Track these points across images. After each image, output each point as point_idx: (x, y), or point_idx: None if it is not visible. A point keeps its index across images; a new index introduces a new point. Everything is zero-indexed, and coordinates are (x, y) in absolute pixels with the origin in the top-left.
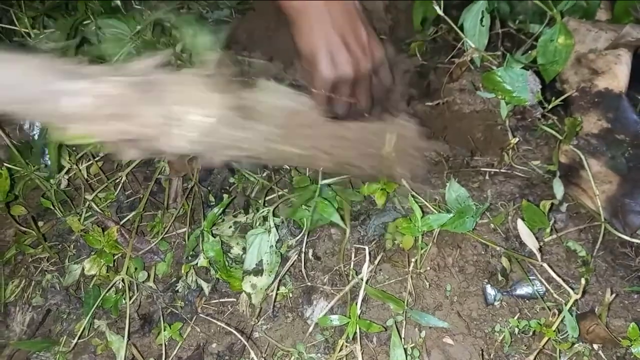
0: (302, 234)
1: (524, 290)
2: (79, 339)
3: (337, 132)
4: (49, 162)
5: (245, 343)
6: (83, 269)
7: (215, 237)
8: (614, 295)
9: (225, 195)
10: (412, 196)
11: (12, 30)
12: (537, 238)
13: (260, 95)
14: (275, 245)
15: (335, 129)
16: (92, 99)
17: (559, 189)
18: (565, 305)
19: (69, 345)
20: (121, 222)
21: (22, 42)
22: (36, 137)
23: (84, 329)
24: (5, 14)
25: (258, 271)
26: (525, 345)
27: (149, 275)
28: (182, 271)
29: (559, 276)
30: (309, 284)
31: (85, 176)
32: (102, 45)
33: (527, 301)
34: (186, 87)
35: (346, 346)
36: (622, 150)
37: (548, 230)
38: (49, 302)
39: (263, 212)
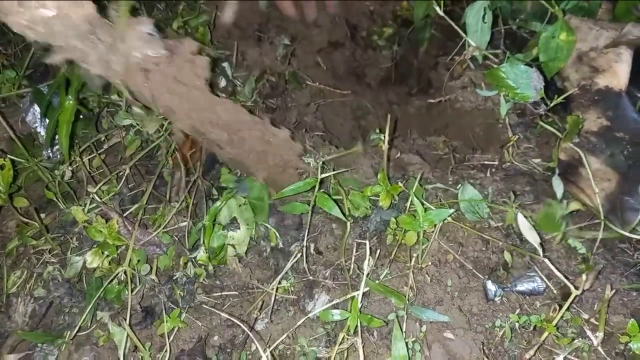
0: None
1: (524, 286)
2: (81, 330)
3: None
4: (57, 153)
5: (249, 333)
6: (85, 262)
7: (224, 230)
8: (613, 291)
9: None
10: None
11: None
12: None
13: None
14: (246, 202)
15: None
16: None
17: (558, 186)
18: (566, 301)
19: (71, 336)
20: (124, 215)
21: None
22: (41, 128)
23: (85, 319)
24: None
25: (235, 226)
26: (525, 340)
27: (151, 268)
28: (181, 262)
29: (560, 272)
30: (311, 278)
31: (88, 169)
32: None
33: (527, 297)
34: None
35: (347, 339)
36: (621, 148)
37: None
38: (52, 294)
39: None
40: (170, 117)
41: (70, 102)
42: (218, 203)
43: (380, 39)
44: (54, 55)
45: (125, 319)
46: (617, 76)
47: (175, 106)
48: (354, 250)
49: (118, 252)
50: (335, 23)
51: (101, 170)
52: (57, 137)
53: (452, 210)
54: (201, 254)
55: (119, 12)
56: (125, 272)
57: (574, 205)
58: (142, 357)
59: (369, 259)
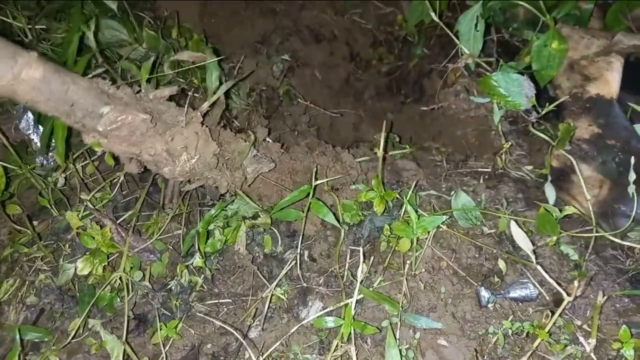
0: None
1: (517, 292)
2: (72, 338)
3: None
4: (50, 160)
5: (242, 341)
6: (76, 269)
7: (221, 236)
8: (605, 298)
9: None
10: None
11: (9, 25)
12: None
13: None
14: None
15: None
16: (118, 125)
17: (551, 193)
18: (558, 307)
19: (66, 343)
20: (117, 222)
21: (19, 40)
22: (34, 135)
23: (78, 327)
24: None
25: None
26: (518, 347)
27: (144, 275)
28: (177, 271)
29: (553, 279)
30: (305, 285)
31: (81, 176)
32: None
33: (520, 304)
34: (188, 129)
35: (341, 347)
36: (613, 156)
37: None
38: (43, 301)
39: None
40: (262, 199)
41: None
42: (213, 211)
43: (379, 63)
44: (192, 185)
45: (118, 327)
46: (608, 84)
47: (265, 193)
48: (348, 257)
49: (109, 259)
50: (336, 47)
51: (94, 177)
52: (52, 142)
53: (445, 217)
54: (197, 260)
55: (242, 146)
56: (120, 279)
57: (570, 209)
58: None
59: (363, 266)
